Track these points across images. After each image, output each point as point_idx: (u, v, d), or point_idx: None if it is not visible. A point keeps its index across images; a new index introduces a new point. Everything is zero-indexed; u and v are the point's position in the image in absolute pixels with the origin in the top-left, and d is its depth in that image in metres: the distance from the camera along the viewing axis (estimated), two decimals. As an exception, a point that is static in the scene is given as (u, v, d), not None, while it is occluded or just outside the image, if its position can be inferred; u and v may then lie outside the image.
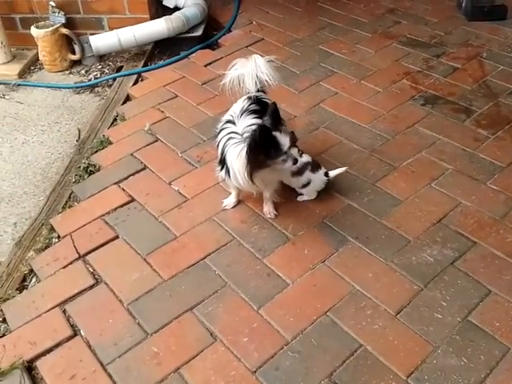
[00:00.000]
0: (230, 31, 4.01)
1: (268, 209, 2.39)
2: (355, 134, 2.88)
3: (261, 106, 2.26)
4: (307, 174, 2.38)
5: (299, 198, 2.47)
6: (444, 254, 2.18)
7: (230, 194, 2.44)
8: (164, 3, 3.93)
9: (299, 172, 2.35)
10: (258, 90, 2.37)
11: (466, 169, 2.60)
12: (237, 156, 2.05)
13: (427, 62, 3.44)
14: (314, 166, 2.41)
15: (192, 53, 3.74)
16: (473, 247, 2.21)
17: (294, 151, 2.12)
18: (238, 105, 2.29)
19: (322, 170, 2.43)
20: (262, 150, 2.00)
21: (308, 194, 2.46)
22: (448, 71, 3.33)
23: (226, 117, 2.29)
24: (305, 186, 2.41)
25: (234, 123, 2.20)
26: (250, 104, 2.24)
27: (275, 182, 2.30)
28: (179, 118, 3.09)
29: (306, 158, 2.39)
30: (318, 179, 2.42)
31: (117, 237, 2.35)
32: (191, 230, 2.35)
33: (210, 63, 3.61)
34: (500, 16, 3.82)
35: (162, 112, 3.15)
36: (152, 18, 3.73)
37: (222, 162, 2.20)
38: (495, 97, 3.08)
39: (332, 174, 2.46)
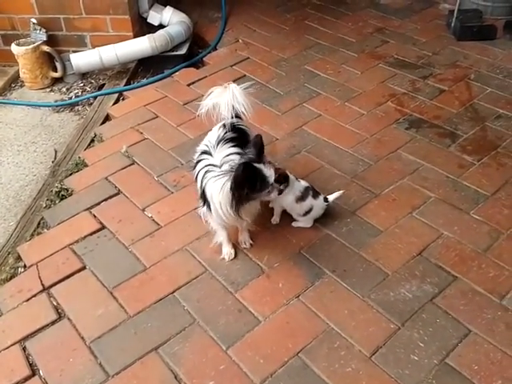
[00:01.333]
0: (216, 49, 3.95)
1: (244, 238, 2.31)
2: (337, 158, 2.80)
3: (237, 133, 2.18)
4: (310, 200, 2.31)
5: (294, 224, 2.40)
6: (423, 290, 2.09)
7: (217, 238, 2.27)
8: (149, 21, 3.87)
9: (302, 197, 2.29)
10: (234, 116, 2.29)
11: (449, 197, 2.52)
12: (219, 191, 1.95)
13: (413, 83, 3.37)
14: (314, 192, 2.34)
15: (176, 71, 3.67)
16: (453, 282, 2.12)
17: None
18: (214, 133, 2.20)
19: (322, 196, 2.37)
20: (247, 185, 1.91)
21: (305, 222, 2.39)
22: (434, 93, 3.26)
23: (202, 147, 2.19)
24: (307, 212, 2.34)
25: (210, 154, 2.11)
26: (226, 132, 2.16)
27: (256, 211, 2.22)
28: (158, 139, 3.02)
29: (304, 183, 2.33)
30: (318, 205, 2.35)
31: (84, 268, 2.26)
32: (162, 261, 2.26)
33: (193, 82, 3.54)
34: (489, 36, 3.77)
35: (141, 133, 3.08)
36: (136, 35, 3.66)
37: (203, 197, 2.09)
38: (482, 121, 3.01)
39: (331, 198, 2.39)
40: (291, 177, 2.27)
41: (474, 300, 2.05)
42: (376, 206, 2.50)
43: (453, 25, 3.86)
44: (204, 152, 2.14)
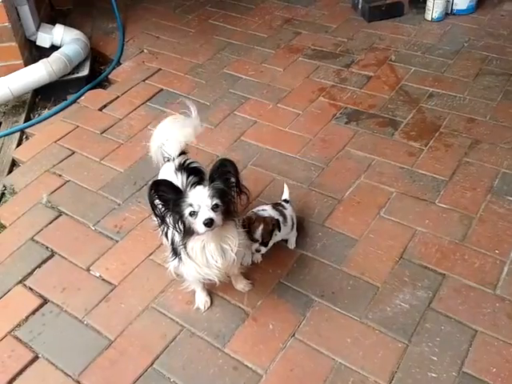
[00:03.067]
0: (120, 64, 3.57)
1: (241, 284, 2.03)
2: (287, 167, 2.61)
3: (196, 174, 1.90)
4: (287, 213, 2.11)
5: (291, 246, 2.20)
6: (417, 297, 1.98)
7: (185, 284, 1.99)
8: (38, 43, 3.39)
9: (284, 217, 2.08)
10: (180, 154, 2.01)
11: (410, 189, 2.44)
12: None
13: (339, 73, 3.26)
14: (276, 205, 2.15)
15: (81, 95, 3.26)
16: (443, 281, 2.03)
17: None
18: (172, 179, 1.85)
19: (282, 202, 2.20)
20: None
21: (294, 234, 2.19)
22: (362, 81, 3.18)
23: None
24: (293, 226, 2.15)
25: None
26: (188, 175, 1.87)
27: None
28: (82, 180, 2.63)
29: (268, 207, 2.10)
30: (292, 211, 2.17)
31: (36, 357, 1.88)
32: (128, 329, 1.94)
33: (105, 105, 3.17)
34: (398, 13, 3.76)
35: (60, 176, 2.67)
36: (27, 63, 3.18)
37: (175, 252, 1.80)
38: (416, 102, 2.97)
39: (286, 196, 2.25)
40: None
41: (469, 296, 1.97)
42: (342, 212, 2.35)
43: (360, 6, 3.81)
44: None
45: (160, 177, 2.02)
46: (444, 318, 1.91)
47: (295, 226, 2.17)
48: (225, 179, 1.69)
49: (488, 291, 1.98)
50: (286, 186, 2.30)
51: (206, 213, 1.61)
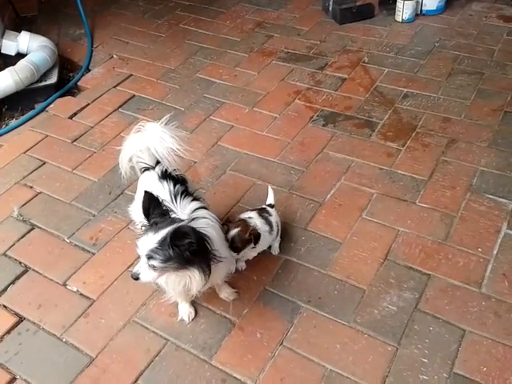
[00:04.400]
0: (89, 70, 3.48)
1: (226, 293, 1.96)
2: (267, 171, 2.57)
3: (182, 183, 1.86)
4: (272, 220, 2.05)
5: (275, 252, 2.15)
6: (404, 298, 1.96)
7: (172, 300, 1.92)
8: (3, 51, 3.27)
9: (270, 225, 2.02)
10: (158, 162, 1.94)
11: (390, 190, 2.43)
12: None
13: (313, 76, 3.25)
14: (262, 211, 2.08)
15: (50, 104, 3.16)
16: (429, 281, 2.02)
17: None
18: (158, 188, 1.81)
19: (267, 208, 2.12)
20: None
21: (277, 239, 2.15)
22: (337, 83, 3.17)
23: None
24: (278, 232, 2.09)
25: (171, 211, 1.71)
26: (175, 184, 1.81)
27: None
28: (54, 191, 2.53)
29: (253, 214, 2.03)
30: (276, 216, 2.11)
31: (14, 378, 1.79)
32: (110, 345, 1.86)
33: (76, 113, 3.07)
34: (368, 15, 3.77)
35: (31, 187, 2.57)
36: (-9, 71, 3.06)
37: None
38: (391, 103, 2.98)
39: (271, 200, 2.20)
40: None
41: (455, 296, 1.97)
42: (325, 215, 2.32)
43: (331, 9, 3.81)
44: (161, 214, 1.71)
45: (140, 186, 1.95)
46: (432, 318, 1.89)
47: (279, 232, 2.12)
48: (186, 244, 1.53)
49: (474, 290, 1.98)
50: (270, 189, 2.25)
51: (138, 266, 1.56)
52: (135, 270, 1.57)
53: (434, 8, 3.69)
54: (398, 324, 1.88)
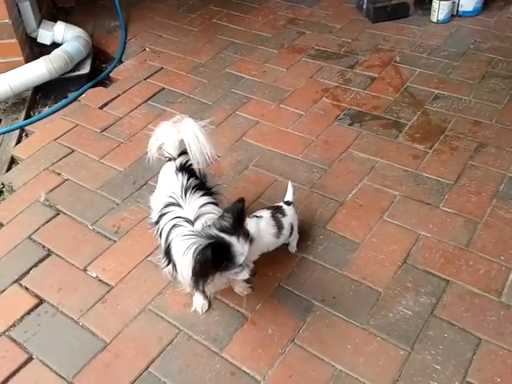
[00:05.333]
0: (122, 62, 3.53)
1: (240, 286, 1.96)
2: (289, 168, 2.57)
3: (196, 176, 1.88)
4: (285, 221, 2.00)
5: (292, 250, 2.14)
6: (420, 303, 1.93)
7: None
8: (39, 40, 3.36)
9: (279, 228, 1.97)
10: (181, 154, 1.96)
11: (414, 193, 2.40)
12: (182, 254, 1.61)
13: (342, 74, 3.22)
14: (278, 210, 2.02)
15: (82, 93, 3.23)
16: (447, 287, 1.99)
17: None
18: (173, 180, 1.85)
19: (283, 205, 2.07)
20: (212, 266, 1.56)
21: (295, 237, 2.13)
22: (366, 82, 3.13)
23: (164, 198, 1.82)
24: (291, 232, 2.05)
25: (178, 205, 1.77)
26: (189, 178, 1.83)
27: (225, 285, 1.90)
28: (81, 178, 2.59)
29: (265, 213, 1.99)
30: (292, 215, 2.06)
31: (30, 358, 1.84)
32: (124, 331, 1.90)
33: (106, 104, 3.13)
34: (403, 14, 3.71)
35: (59, 174, 2.63)
36: (27, 60, 3.15)
37: (167, 254, 1.74)
38: (421, 104, 2.93)
39: (289, 197, 2.12)
40: (255, 223, 1.90)
41: (473, 303, 1.92)
42: (345, 215, 2.31)
43: (365, 7, 3.77)
44: (170, 204, 1.78)
45: (160, 176, 1.97)
46: (447, 325, 1.86)
47: (295, 230, 2.10)
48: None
49: (493, 298, 1.93)
50: (290, 185, 2.16)
51: (247, 269, 1.64)
52: (250, 273, 1.65)
53: (471, 9, 3.60)
54: (412, 328, 1.85)
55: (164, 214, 1.78)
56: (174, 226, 1.71)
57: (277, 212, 2.01)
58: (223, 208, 1.77)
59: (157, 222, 1.81)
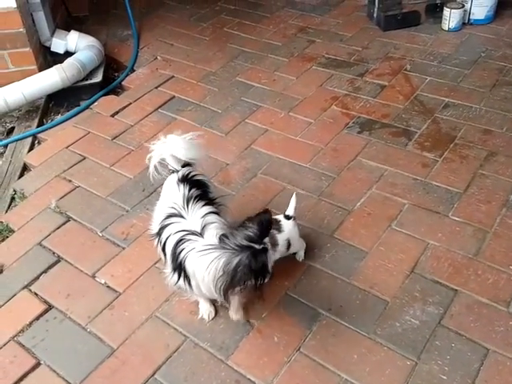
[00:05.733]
0: (134, 71, 3.58)
1: (237, 316, 1.92)
2: (298, 176, 2.57)
3: (198, 186, 1.87)
4: (279, 238, 1.96)
5: (300, 258, 2.13)
6: (428, 313, 1.92)
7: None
8: (53, 49, 3.42)
9: (274, 244, 1.93)
10: (184, 165, 1.97)
11: (423, 201, 2.38)
12: (205, 269, 1.58)
13: (352, 82, 3.22)
14: (273, 225, 1.89)
15: (94, 102, 3.27)
16: (455, 297, 1.97)
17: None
18: (174, 191, 1.85)
19: (283, 220, 2.03)
20: (253, 275, 1.58)
21: (299, 246, 2.11)
22: (376, 90, 3.13)
23: (165, 209, 1.82)
24: (289, 247, 2.02)
25: (181, 217, 1.76)
26: (191, 188, 1.83)
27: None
28: (91, 185, 2.62)
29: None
30: (291, 230, 2.01)
31: (38, 364, 1.86)
32: (131, 337, 1.91)
33: (118, 112, 3.17)
34: (414, 22, 3.71)
35: (70, 181, 2.67)
36: (41, 68, 3.21)
37: (178, 270, 1.71)
38: (431, 113, 2.92)
39: (290, 211, 2.06)
40: None
41: (481, 313, 1.90)
42: (352, 223, 2.30)
43: (375, 15, 3.77)
44: (172, 215, 1.78)
45: (163, 189, 1.97)
46: (455, 335, 1.84)
47: (295, 244, 2.05)
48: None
49: (501, 309, 1.91)
50: (294, 197, 2.08)
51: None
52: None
53: (483, 17, 3.58)
54: (419, 338, 1.84)
55: (166, 226, 1.76)
56: (182, 240, 1.68)
57: (272, 228, 1.87)
58: (225, 218, 1.77)
59: (158, 234, 1.80)
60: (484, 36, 3.50)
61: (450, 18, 3.54)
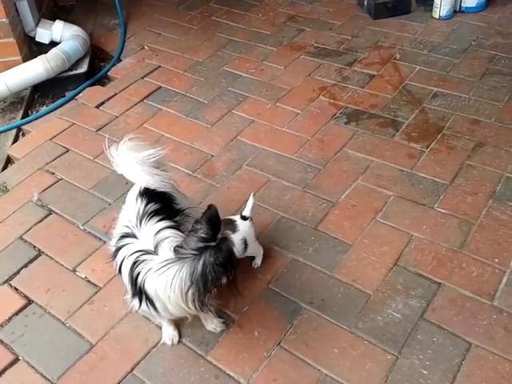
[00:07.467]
0: (121, 61, 3.53)
1: (214, 325, 1.85)
2: (283, 168, 2.54)
3: (160, 200, 1.74)
4: (234, 238, 1.85)
5: (255, 266, 2.07)
6: (410, 306, 1.90)
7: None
8: (37, 39, 3.36)
9: None
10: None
11: (409, 193, 2.36)
12: (169, 286, 1.48)
13: (340, 72, 3.18)
14: (226, 226, 1.78)
15: (79, 92, 3.22)
16: (438, 290, 1.95)
17: None
18: (131, 207, 1.73)
19: (238, 220, 1.96)
20: (224, 269, 1.49)
21: (255, 252, 2.05)
22: (364, 80, 3.09)
23: (120, 228, 1.71)
24: (246, 247, 1.96)
25: (134, 236, 1.64)
26: (148, 203, 1.71)
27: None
28: (74, 178, 2.59)
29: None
30: (246, 231, 1.95)
31: (17, 359, 1.84)
32: (110, 333, 1.89)
33: (103, 103, 3.12)
34: (404, 10, 3.65)
35: (53, 174, 2.63)
36: (25, 59, 3.15)
37: (139, 294, 1.59)
38: (419, 102, 2.88)
39: (247, 212, 2.00)
40: None
41: (464, 307, 1.89)
42: (337, 216, 2.28)
43: (366, 3, 3.72)
44: (125, 235, 1.66)
45: (126, 201, 1.84)
46: (437, 329, 1.83)
47: (251, 245, 1.98)
48: None
49: (485, 302, 1.89)
50: (251, 197, 2.01)
51: None
52: None
53: (474, 5, 3.53)
54: (400, 332, 1.82)
55: (120, 248, 1.65)
56: (137, 262, 1.56)
57: (226, 228, 1.74)
58: (186, 230, 1.64)
59: (114, 256, 1.68)
60: (475, 24, 3.45)
61: (441, 5, 3.49)
